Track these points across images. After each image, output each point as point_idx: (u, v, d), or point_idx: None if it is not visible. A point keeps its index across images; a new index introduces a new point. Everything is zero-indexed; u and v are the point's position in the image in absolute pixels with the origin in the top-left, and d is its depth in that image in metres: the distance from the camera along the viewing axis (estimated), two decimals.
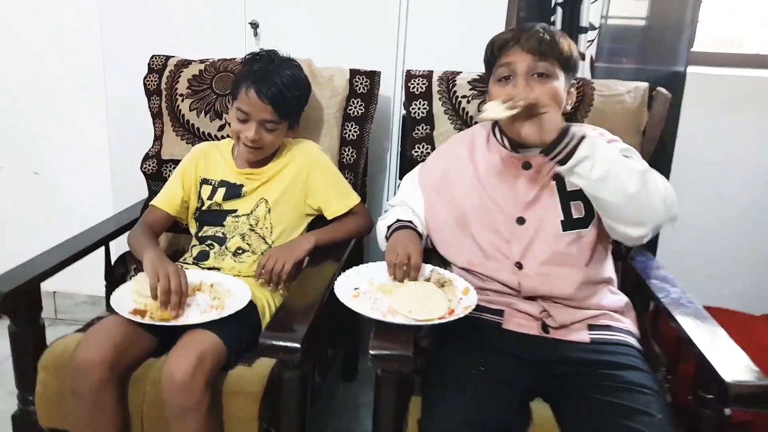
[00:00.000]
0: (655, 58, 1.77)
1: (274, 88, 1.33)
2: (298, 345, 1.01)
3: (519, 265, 1.21)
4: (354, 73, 1.62)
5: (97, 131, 1.99)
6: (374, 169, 1.85)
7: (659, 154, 1.61)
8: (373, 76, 1.63)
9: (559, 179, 1.22)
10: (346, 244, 1.47)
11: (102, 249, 1.50)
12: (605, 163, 1.05)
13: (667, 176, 1.78)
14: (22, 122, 2.04)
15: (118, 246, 1.55)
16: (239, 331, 1.20)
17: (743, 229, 1.85)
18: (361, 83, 1.62)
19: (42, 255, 1.31)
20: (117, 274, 1.55)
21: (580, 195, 1.20)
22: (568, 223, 1.21)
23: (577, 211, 1.21)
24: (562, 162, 1.07)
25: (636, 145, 1.50)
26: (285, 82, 1.35)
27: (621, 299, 1.27)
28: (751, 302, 1.82)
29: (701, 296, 1.27)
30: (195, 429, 1.08)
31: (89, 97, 1.96)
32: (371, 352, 0.98)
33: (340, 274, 1.25)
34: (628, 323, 1.23)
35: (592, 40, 1.73)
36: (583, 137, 1.05)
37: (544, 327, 1.18)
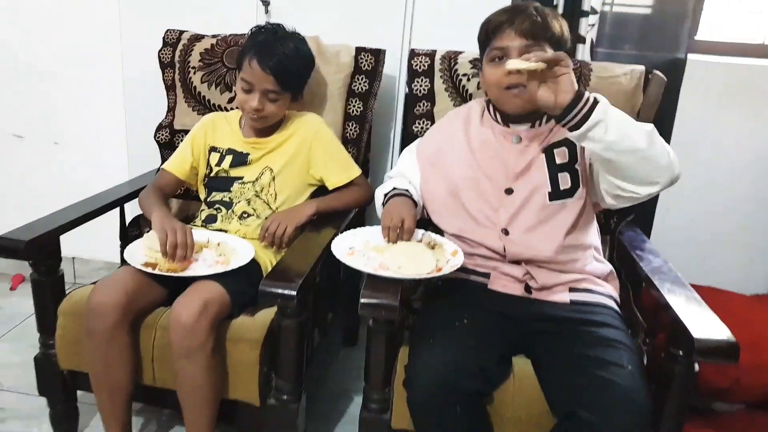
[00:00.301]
0: (656, 44, 1.80)
1: (276, 58, 1.40)
2: (294, 292, 1.09)
3: (505, 231, 1.28)
4: (359, 50, 1.69)
5: (114, 103, 2.08)
6: (378, 146, 1.92)
7: None
8: (378, 54, 1.69)
9: (548, 152, 1.29)
10: (346, 212, 1.55)
11: (117, 213, 1.60)
12: (617, 124, 1.07)
13: None
14: (42, 94, 2.13)
15: (133, 210, 1.64)
16: (242, 285, 1.29)
17: (737, 215, 1.88)
18: (366, 60, 1.68)
19: (61, 211, 1.41)
20: (131, 235, 1.65)
21: (567, 167, 1.27)
22: (555, 194, 1.27)
23: (564, 182, 1.27)
24: (575, 127, 1.08)
25: None
26: (287, 53, 1.41)
27: (605, 267, 1.34)
28: (742, 285, 1.87)
29: (693, 278, 1.32)
30: (199, 369, 1.17)
31: (107, 70, 2.05)
32: (362, 300, 1.06)
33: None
34: (610, 288, 1.30)
35: (593, 25, 1.77)
36: (596, 101, 1.07)
37: (527, 288, 1.25)
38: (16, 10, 2.06)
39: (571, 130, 1.10)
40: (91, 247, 2.22)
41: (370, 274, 1.14)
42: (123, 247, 1.63)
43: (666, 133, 1.79)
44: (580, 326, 1.16)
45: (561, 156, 1.28)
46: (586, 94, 1.09)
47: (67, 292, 1.36)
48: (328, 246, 1.28)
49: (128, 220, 1.67)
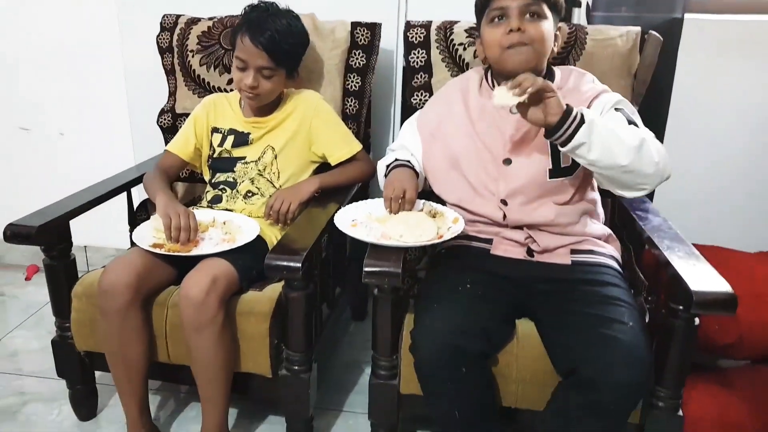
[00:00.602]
0: (653, 5, 1.79)
1: (268, 34, 1.40)
2: (299, 264, 1.12)
3: (504, 202, 1.29)
4: (355, 25, 1.69)
5: (116, 90, 2.10)
6: (378, 120, 1.93)
7: (656, 101, 1.65)
8: (373, 28, 1.69)
9: None
10: (349, 188, 1.57)
11: (125, 202, 1.63)
12: (602, 143, 1.11)
13: (664, 123, 1.81)
14: (46, 86, 2.16)
15: (141, 194, 1.67)
16: (249, 261, 1.32)
17: (738, 174, 1.88)
18: (362, 35, 1.69)
19: (70, 197, 1.44)
20: (139, 219, 1.68)
21: None
22: (556, 172, 1.28)
23: (565, 160, 1.27)
24: (562, 144, 1.12)
25: (627, 88, 1.56)
26: (279, 29, 1.41)
27: (604, 229, 1.35)
28: (745, 243, 1.87)
29: (696, 237, 1.33)
30: (211, 343, 1.21)
31: (107, 59, 2.07)
32: (365, 269, 1.08)
33: None
34: (611, 249, 1.31)
35: None
36: (582, 122, 1.09)
37: (529, 251, 1.27)
38: (14, 3, 2.07)
39: (560, 146, 1.14)
40: (101, 236, 2.26)
41: (372, 243, 1.16)
42: (132, 230, 1.67)
43: (665, 94, 1.79)
44: (581, 286, 1.18)
45: None
46: (574, 112, 1.11)
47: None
48: (332, 219, 1.30)
49: (136, 203, 1.69)
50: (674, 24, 1.76)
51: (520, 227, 1.29)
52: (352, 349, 1.84)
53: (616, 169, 1.13)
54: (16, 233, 1.26)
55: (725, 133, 1.86)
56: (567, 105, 1.11)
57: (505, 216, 1.29)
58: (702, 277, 1.09)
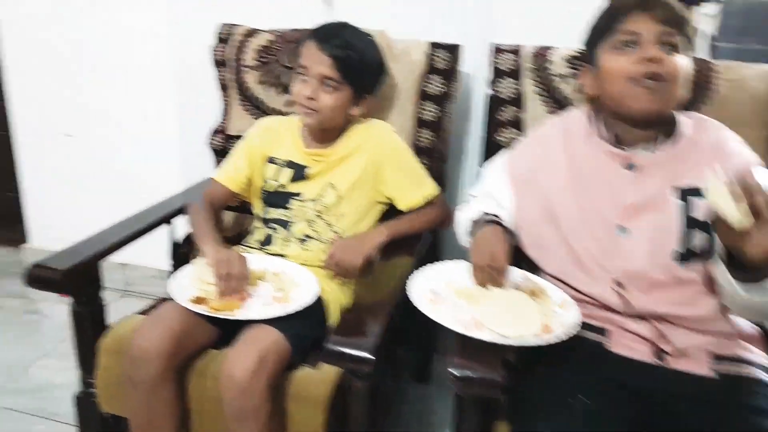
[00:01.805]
0: None
1: (338, 41, 1.22)
2: (370, 356, 0.89)
3: (619, 284, 1.03)
4: (433, 46, 1.47)
5: (165, 105, 1.94)
6: (453, 155, 1.69)
7: None
8: (454, 51, 1.47)
9: (684, 197, 1.03)
10: (421, 237, 1.34)
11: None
12: None
13: None
14: (91, 96, 2.03)
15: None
16: (304, 328, 1.11)
17: None
18: (441, 58, 1.46)
19: (104, 232, 1.25)
20: (182, 253, 1.49)
21: (707, 226, 1.00)
22: (685, 255, 1.01)
23: (700, 242, 1.01)
24: (754, 278, 0.89)
25: (760, 140, 1.28)
26: (351, 41, 1.24)
27: (752, 326, 1.08)
28: None
29: None
30: None
31: (156, 70, 1.92)
32: (454, 372, 0.85)
33: (414, 270, 1.12)
34: (762, 356, 1.03)
35: (713, 15, 1.50)
36: None
37: (658, 353, 1.00)
38: (65, 15, 1.97)
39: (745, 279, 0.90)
40: (142, 254, 2.08)
41: (462, 335, 0.92)
42: (173, 267, 1.49)
43: None
44: (731, 411, 0.91)
45: (700, 210, 1.01)
46: None
47: (118, 301, 1.21)
48: (404, 284, 1.08)
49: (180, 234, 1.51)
50: None
51: (643, 317, 1.02)
52: (414, 422, 1.57)
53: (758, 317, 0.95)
54: (38, 277, 1.09)
55: None
56: None
57: (624, 301, 1.02)
58: None
